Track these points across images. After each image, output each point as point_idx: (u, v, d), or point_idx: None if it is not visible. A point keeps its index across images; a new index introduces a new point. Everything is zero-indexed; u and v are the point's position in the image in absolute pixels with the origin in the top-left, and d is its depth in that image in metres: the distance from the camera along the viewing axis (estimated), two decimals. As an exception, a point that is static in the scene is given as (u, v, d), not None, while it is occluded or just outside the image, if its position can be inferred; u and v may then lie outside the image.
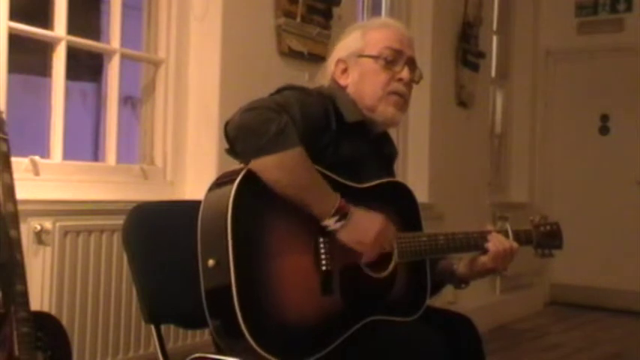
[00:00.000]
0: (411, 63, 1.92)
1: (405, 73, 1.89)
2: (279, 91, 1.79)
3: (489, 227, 1.98)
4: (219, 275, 1.58)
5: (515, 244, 1.94)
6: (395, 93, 1.89)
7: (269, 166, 1.61)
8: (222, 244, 1.58)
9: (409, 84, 1.92)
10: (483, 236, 1.93)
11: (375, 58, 1.88)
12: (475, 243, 1.92)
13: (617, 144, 6.04)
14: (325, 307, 1.67)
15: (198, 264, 1.65)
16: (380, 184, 1.87)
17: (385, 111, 1.89)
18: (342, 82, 1.91)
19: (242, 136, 1.62)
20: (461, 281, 2.02)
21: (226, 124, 1.67)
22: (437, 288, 1.96)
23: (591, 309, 5.88)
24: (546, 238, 2.06)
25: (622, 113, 6.04)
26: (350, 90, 1.90)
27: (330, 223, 1.66)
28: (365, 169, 1.86)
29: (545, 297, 6.23)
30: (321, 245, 1.67)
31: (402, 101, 1.91)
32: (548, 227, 2.07)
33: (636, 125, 5.91)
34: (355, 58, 1.91)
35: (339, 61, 1.93)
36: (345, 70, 1.92)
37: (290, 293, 1.62)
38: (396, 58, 1.90)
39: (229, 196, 1.59)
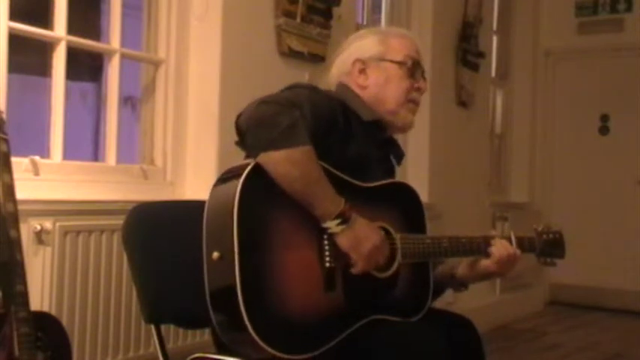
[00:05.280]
0: (423, 74, 2.00)
1: (422, 84, 1.99)
2: (289, 88, 1.80)
3: (493, 232, 2.01)
4: (224, 268, 1.58)
5: (518, 251, 1.96)
6: (413, 101, 1.97)
7: (277, 160, 1.61)
8: (228, 237, 1.57)
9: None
10: (487, 241, 1.94)
11: (400, 64, 1.94)
12: (478, 247, 1.94)
13: (617, 144, 6.04)
14: (327, 303, 1.67)
15: (198, 264, 1.64)
16: (386, 185, 1.89)
17: (406, 117, 1.98)
18: (361, 82, 1.95)
19: (253, 128, 1.63)
20: (460, 284, 2.03)
21: (238, 117, 1.68)
22: (437, 292, 1.96)
23: (591, 309, 5.88)
24: (549, 247, 2.08)
25: (622, 113, 6.04)
26: (370, 91, 1.94)
27: (332, 225, 1.66)
28: (371, 171, 1.88)
29: (545, 297, 6.23)
30: (325, 242, 1.68)
31: (416, 109, 2.00)
32: (551, 236, 2.08)
33: (636, 125, 5.91)
34: (377, 62, 1.95)
35: (357, 60, 1.95)
36: (362, 71, 1.95)
37: (293, 288, 1.62)
38: (416, 68, 1.97)
39: (236, 190, 1.59)
